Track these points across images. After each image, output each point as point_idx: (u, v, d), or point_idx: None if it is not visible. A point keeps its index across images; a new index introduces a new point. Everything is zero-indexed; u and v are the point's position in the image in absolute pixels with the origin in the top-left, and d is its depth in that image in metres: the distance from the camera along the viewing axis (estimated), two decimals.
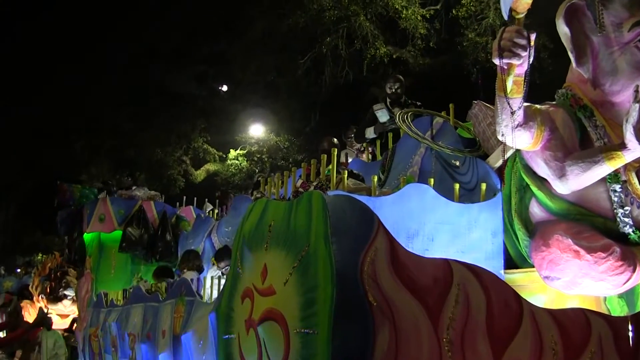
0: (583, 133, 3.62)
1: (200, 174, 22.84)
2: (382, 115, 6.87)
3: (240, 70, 20.63)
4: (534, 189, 3.71)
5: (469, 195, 3.99)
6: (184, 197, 12.65)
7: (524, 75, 3.23)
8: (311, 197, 3.35)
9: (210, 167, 22.91)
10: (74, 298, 11.78)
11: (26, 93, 23.10)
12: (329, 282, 3.10)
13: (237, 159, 22.08)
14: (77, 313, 10.90)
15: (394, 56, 17.66)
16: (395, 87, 6.79)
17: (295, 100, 20.67)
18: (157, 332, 6.02)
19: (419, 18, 16.64)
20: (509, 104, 3.20)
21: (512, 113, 3.23)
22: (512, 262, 3.97)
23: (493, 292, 3.00)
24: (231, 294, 4.21)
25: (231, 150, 22.38)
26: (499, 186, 4.02)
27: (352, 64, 18.21)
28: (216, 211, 10.38)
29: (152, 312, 6.34)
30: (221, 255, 7.26)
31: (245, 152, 22.23)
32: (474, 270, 3.03)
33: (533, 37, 3.15)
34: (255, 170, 20.99)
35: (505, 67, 3.12)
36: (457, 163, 4.27)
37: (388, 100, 6.79)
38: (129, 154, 21.74)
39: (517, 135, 3.34)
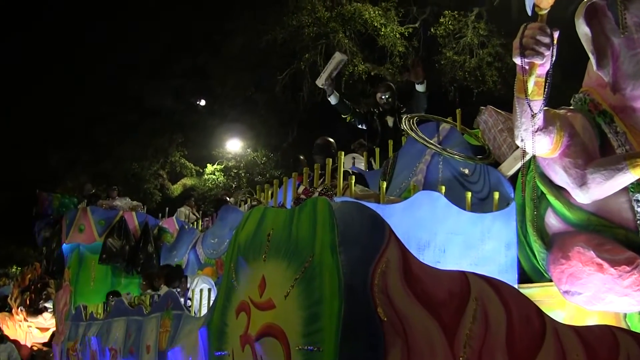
0: (603, 139, 3.46)
1: (176, 189, 22.99)
2: (333, 98, 6.77)
3: (218, 84, 20.93)
4: (550, 198, 3.54)
5: (481, 204, 3.81)
6: (167, 209, 12.46)
7: (545, 76, 3.06)
8: (316, 203, 3.16)
9: (187, 181, 23.06)
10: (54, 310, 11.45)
11: (2, 105, 22.92)
12: (335, 296, 2.90)
13: (214, 174, 22.25)
14: (55, 326, 10.58)
15: (372, 73, 17.89)
16: (386, 95, 6.62)
17: (273, 116, 20.91)
18: (140, 347, 5.79)
19: (397, 36, 17.09)
20: (529, 106, 3.02)
21: (533, 116, 3.05)
22: (525, 276, 3.79)
23: (514, 307, 2.82)
24: (224, 307, 4.00)
25: (208, 164, 22.55)
26: (512, 195, 3.84)
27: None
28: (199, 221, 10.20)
29: (136, 326, 6.10)
30: (172, 276, 6.97)
31: (222, 167, 22.41)
32: (492, 283, 2.85)
33: (556, 34, 2.98)
34: (232, 186, 21.24)
35: (527, 67, 2.95)
36: (467, 171, 4.09)
37: (380, 109, 6.57)
38: (106, 168, 21.79)
39: (537, 140, 3.17)
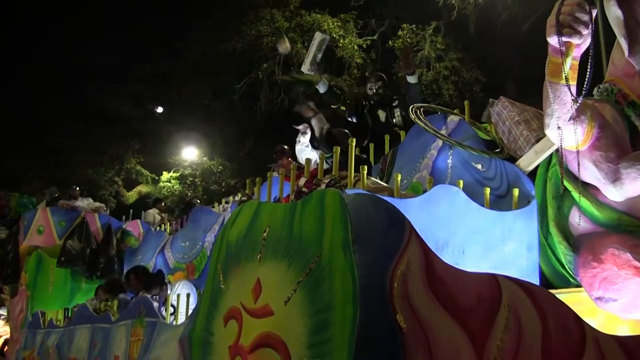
0: (632, 132, 3.20)
1: (132, 196, 23.15)
2: (321, 86, 6.49)
3: (176, 92, 21.44)
4: (576, 196, 3.28)
5: (498, 202, 3.52)
6: (131, 211, 12.06)
7: (579, 60, 2.79)
8: (324, 196, 2.85)
9: (143, 188, 23.12)
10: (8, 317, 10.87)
11: None
12: (349, 301, 2.60)
13: (170, 182, 22.46)
14: (9, 334, 10.04)
15: (330, 84, 17.60)
16: (377, 86, 6.24)
17: (230, 125, 21.44)
18: (108, 358, 5.38)
19: (355, 47, 17.85)
20: (569, 90, 2.74)
21: (574, 101, 2.77)
22: (546, 281, 3.51)
23: (550, 314, 2.54)
24: (210, 314, 3.66)
25: (164, 172, 22.76)
26: (532, 192, 3.57)
27: (288, 91, 18.96)
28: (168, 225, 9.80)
29: (102, 335, 5.72)
30: (153, 282, 6.56)
31: (178, 174, 22.66)
32: (526, 287, 2.56)
33: (595, 12, 2.72)
34: (187, 194, 21.39)
35: (563, 48, 2.67)
36: (480, 166, 3.81)
37: (371, 102, 6.21)
38: (61, 173, 21.43)
39: (570, 130, 2.89)
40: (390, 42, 17.25)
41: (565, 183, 3.29)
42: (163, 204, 13.67)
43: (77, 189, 11.37)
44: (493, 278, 2.60)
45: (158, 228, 10.02)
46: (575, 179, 3.24)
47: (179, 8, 20.30)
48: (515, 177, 3.65)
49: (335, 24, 17.82)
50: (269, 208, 3.34)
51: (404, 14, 17.79)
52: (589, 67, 2.79)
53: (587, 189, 3.25)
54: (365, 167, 3.14)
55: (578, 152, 3.25)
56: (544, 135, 3.59)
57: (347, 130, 4.78)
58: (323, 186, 2.96)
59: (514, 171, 3.68)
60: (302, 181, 3.18)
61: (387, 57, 17.51)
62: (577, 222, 3.25)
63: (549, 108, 2.87)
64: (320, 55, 6.30)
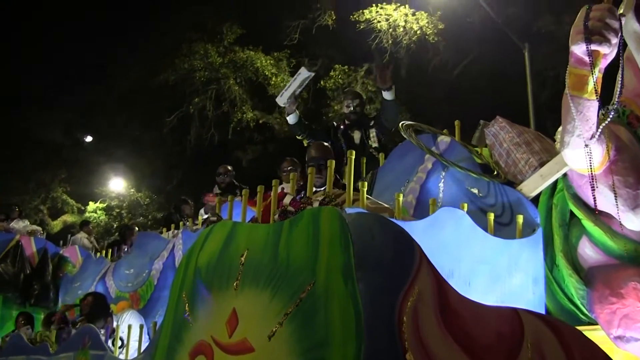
0: None
1: (57, 225, 22.97)
2: (292, 117, 6.18)
3: (106, 122, 21.61)
4: (587, 224, 3.04)
5: (501, 231, 3.24)
6: (68, 236, 11.51)
7: (603, 73, 2.55)
8: (318, 215, 2.52)
9: (68, 218, 22.89)
10: None
11: None
12: (351, 336, 2.26)
13: (96, 212, 22.39)
14: None
15: (261, 121, 19.00)
16: (354, 104, 5.94)
17: (159, 158, 21.67)
18: None
19: None
20: (594, 105, 2.50)
21: (605, 116, 2.52)
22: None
23: (577, 353, 2.27)
24: (171, 349, 3.25)
25: (90, 202, 22.70)
26: (537, 220, 3.31)
27: (218, 126, 19.31)
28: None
29: None
30: (96, 313, 6.03)
31: (104, 205, 22.61)
32: (551, 323, 2.30)
33: (624, 20, 2.49)
34: (113, 225, 21.55)
35: (590, 58, 2.42)
36: (476, 191, 3.54)
37: (346, 122, 5.91)
38: None
39: (592, 149, 2.64)
40: (322, 82, 17.58)
41: (574, 210, 3.05)
42: (91, 226, 13.11)
43: (17, 209, 10.78)
44: (514, 313, 2.32)
45: (99, 254, 9.47)
46: (585, 206, 3.00)
47: (113, 39, 20.56)
48: (518, 203, 3.40)
49: (269, 61, 18.16)
50: (247, 229, 2.98)
51: (337, 54, 18.28)
52: (618, 80, 2.56)
53: (599, 217, 3.02)
54: (365, 183, 2.82)
55: (575, 176, 3.03)
56: (548, 158, 3.36)
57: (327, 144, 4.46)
58: (316, 204, 2.63)
59: (516, 197, 3.42)
60: (288, 199, 2.84)
61: (318, 97, 18.08)
62: (587, 252, 3.00)
63: (570, 124, 2.62)
64: (299, 91, 6.05)
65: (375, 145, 5.57)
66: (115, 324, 5.65)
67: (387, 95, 5.54)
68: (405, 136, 3.73)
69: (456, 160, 3.61)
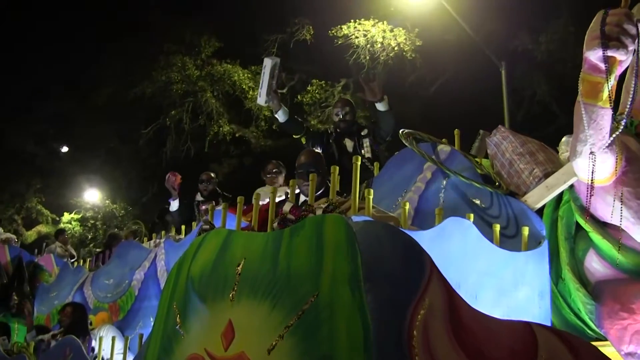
0: None
1: (31, 235, 22.88)
2: (281, 115, 6.01)
3: (82, 133, 21.49)
4: (595, 237, 2.97)
5: (506, 244, 3.15)
6: (44, 244, 11.30)
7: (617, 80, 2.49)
8: (322, 223, 2.41)
9: (43, 228, 22.77)
10: None
11: None
12: (359, 351, 2.16)
13: (71, 223, 22.25)
14: None
15: (237, 135, 19.12)
16: (344, 112, 5.75)
17: (134, 169, 21.74)
18: None
19: None
20: (608, 113, 2.43)
21: (617, 125, 2.45)
22: None
23: None
24: None
25: (65, 213, 22.58)
26: (543, 232, 3.23)
27: (195, 139, 19.41)
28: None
29: None
30: (75, 324, 5.87)
31: (79, 216, 22.52)
32: (566, 339, 2.21)
33: None
34: (87, 237, 21.71)
35: (606, 64, 2.35)
36: (479, 202, 3.45)
37: (337, 130, 5.75)
38: None
39: (603, 159, 2.58)
40: (299, 97, 17.71)
41: (581, 222, 2.98)
42: (66, 235, 12.92)
43: None
44: (528, 327, 2.23)
45: (76, 263, 9.27)
46: (593, 218, 2.93)
47: (90, 49, 20.35)
48: (523, 214, 3.32)
49: (246, 75, 18.22)
50: (243, 237, 2.86)
51: (314, 69, 18.30)
52: (632, 87, 2.49)
53: (607, 229, 2.95)
54: (372, 190, 2.72)
55: (582, 188, 2.95)
56: (553, 169, 3.29)
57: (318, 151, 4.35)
58: (319, 212, 2.52)
59: (520, 208, 3.34)
60: (288, 206, 2.73)
61: (296, 112, 18.38)
62: (595, 266, 2.92)
63: (582, 133, 2.55)
64: (275, 82, 5.87)
65: (368, 155, 5.42)
66: (94, 342, 5.48)
67: (381, 107, 5.42)
68: (406, 144, 3.65)
69: (457, 170, 3.52)
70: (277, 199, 6.15)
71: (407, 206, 2.80)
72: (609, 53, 2.36)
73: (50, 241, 12.75)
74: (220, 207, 4.19)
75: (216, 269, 2.90)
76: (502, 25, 15.35)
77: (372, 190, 2.69)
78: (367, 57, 16.50)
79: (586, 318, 3.05)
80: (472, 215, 2.98)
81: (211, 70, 18.38)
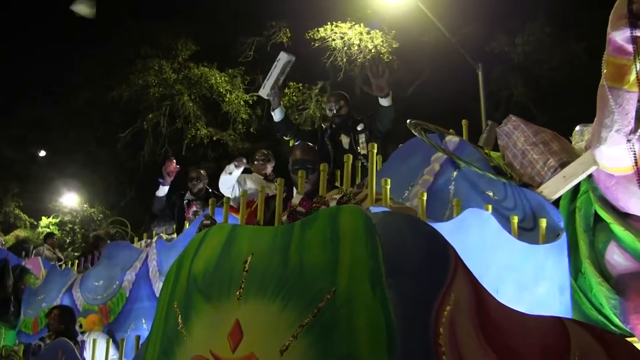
0: None
1: (9, 240, 22.35)
2: (278, 113, 5.93)
3: (59, 137, 21.41)
4: (616, 229, 2.86)
5: (523, 236, 3.03)
6: (31, 247, 11.14)
7: None
8: (337, 215, 2.27)
9: (20, 233, 22.23)
10: None
11: None
12: (382, 350, 2.02)
13: (49, 227, 21.68)
14: None
15: (215, 138, 19.13)
16: (338, 106, 5.55)
17: (112, 173, 21.72)
18: None
19: (241, 103, 18.43)
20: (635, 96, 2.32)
21: None
22: None
23: None
24: None
25: (43, 217, 22.20)
26: (561, 224, 3.11)
27: (172, 142, 19.39)
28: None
29: None
30: (64, 327, 5.70)
31: (57, 220, 22.15)
32: (600, 335, 2.10)
33: None
34: (66, 241, 21.40)
35: (634, 45, 2.24)
36: (491, 194, 3.33)
37: (332, 126, 5.59)
38: None
39: (630, 146, 2.46)
40: None
41: (601, 213, 2.87)
42: (55, 239, 12.73)
43: None
44: (559, 323, 2.12)
45: (64, 265, 9.09)
46: (614, 209, 2.82)
47: (66, 52, 20.07)
48: (539, 206, 3.21)
49: (223, 78, 18.26)
50: (249, 232, 2.71)
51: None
52: None
53: (629, 220, 2.84)
54: (389, 180, 2.59)
55: (603, 177, 2.84)
56: (569, 158, 3.17)
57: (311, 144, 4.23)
58: (333, 203, 2.38)
59: (536, 200, 3.23)
60: (297, 198, 2.59)
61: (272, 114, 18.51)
62: (616, 259, 2.81)
63: (608, 119, 2.44)
64: (282, 79, 5.76)
65: (364, 152, 5.23)
66: (86, 345, 5.32)
67: (384, 102, 5.26)
68: (415, 134, 3.52)
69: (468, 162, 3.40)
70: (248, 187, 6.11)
71: (424, 196, 2.68)
72: (638, 33, 2.26)
73: (30, 244, 12.58)
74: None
75: (220, 265, 2.75)
76: (478, 27, 15.49)
77: (389, 180, 2.56)
78: (344, 60, 16.59)
79: (610, 313, 2.95)
80: (490, 206, 2.87)
81: (188, 73, 18.43)
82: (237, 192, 6.24)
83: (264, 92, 5.72)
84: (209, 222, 3.19)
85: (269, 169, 6.54)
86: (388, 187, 2.54)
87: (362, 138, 5.34)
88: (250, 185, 6.30)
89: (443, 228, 2.51)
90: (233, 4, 17.39)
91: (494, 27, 15.67)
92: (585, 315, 3.07)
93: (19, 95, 21.39)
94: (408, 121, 3.65)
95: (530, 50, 15.33)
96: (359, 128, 5.39)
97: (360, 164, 5.10)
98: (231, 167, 6.46)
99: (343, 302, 2.15)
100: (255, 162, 6.59)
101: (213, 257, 2.82)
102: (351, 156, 2.84)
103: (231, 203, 3.75)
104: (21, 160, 22.79)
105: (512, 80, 16.15)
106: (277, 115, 5.76)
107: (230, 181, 6.52)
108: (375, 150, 2.63)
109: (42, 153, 23.36)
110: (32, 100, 21.38)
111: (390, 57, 16.29)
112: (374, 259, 2.10)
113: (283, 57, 5.66)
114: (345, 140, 5.42)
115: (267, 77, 5.74)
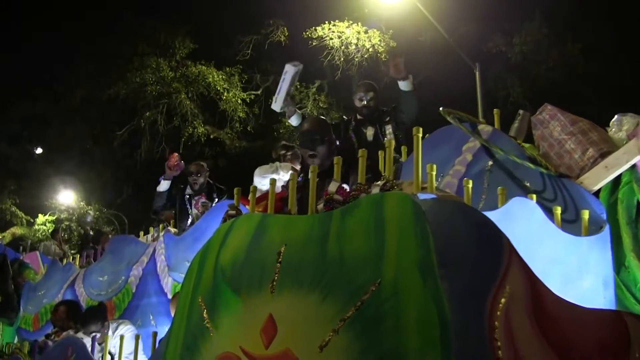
0: None
1: (5, 237, 22.27)
2: (295, 119, 5.81)
3: (56, 134, 21.62)
4: None
5: (567, 228, 2.94)
6: (28, 242, 11.10)
7: None
8: (382, 202, 2.17)
9: (17, 230, 22.28)
10: None
11: None
12: (435, 345, 1.92)
13: (45, 225, 22.06)
14: None
15: (212, 136, 19.40)
16: (368, 97, 5.37)
17: (109, 171, 21.99)
18: None
19: (239, 101, 18.68)
20: None
21: None
22: None
23: None
24: None
25: (40, 215, 22.46)
26: (604, 216, 3.03)
27: (169, 140, 19.60)
28: None
29: None
30: (88, 318, 5.59)
31: (54, 218, 22.36)
32: None
33: None
34: (62, 238, 21.02)
35: None
36: (529, 184, 3.23)
37: (358, 117, 5.46)
38: None
39: None
40: (273, 98, 18.11)
41: None
42: (62, 235, 12.65)
43: None
44: (618, 317, 2.03)
45: (66, 260, 8.98)
46: None
47: (64, 50, 20.77)
48: (580, 197, 3.12)
49: (220, 76, 18.47)
50: (282, 221, 2.61)
51: None
52: None
53: None
54: (434, 166, 2.48)
55: None
56: (609, 148, 3.08)
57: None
58: (376, 190, 2.28)
59: (577, 191, 3.15)
60: (334, 186, 2.48)
61: (270, 112, 19.03)
62: None
63: None
64: (292, 88, 5.70)
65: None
66: (99, 335, 5.19)
67: (404, 86, 5.12)
68: (450, 120, 3.43)
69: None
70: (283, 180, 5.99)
71: (470, 184, 2.58)
72: None
73: (24, 243, 12.45)
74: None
75: (251, 257, 2.64)
76: (475, 27, 15.65)
77: (434, 166, 2.45)
78: (342, 59, 16.74)
79: None
80: (534, 196, 2.78)
81: (185, 71, 18.61)
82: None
83: (277, 106, 5.65)
84: (234, 212, 3.09)
85: (298, 165, 6.44)
86: (434, 173, 2.44)
87: (388, 129, 5.20)
88: (283, 174, 6.17)
89: (491, 217, 2.42)
90: (231, 2, 17.70)
91: (491, 27, 15.84)
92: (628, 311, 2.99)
93: (16, 92, 21.58)
94: (441, 109, 3.55)
95: (527, 51, 15.45)
96: (385, 119, 5.26)
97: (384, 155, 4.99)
98: (276, 167, 6.30)
99: (389, 295, 2.06)
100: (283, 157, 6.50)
101: (242, 248, 2.71)
102: (366, 150, 2.74)
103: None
104: (17, 157, 23.11)
105: (509, 80, 16.29)
106: (294, 121, 5.70)
107: (269, 178, 6.40)
108: (420, 135, 2.52)
109: (39, 150, 23.65)
110: (29, 98, 21.57)
111: (388, 57, 16.21)
112: (424, 248, 2.00)
113: (290, 70, 5.56)
114: (369, 132, 5.27)
115: (277, 91, 5.66)
